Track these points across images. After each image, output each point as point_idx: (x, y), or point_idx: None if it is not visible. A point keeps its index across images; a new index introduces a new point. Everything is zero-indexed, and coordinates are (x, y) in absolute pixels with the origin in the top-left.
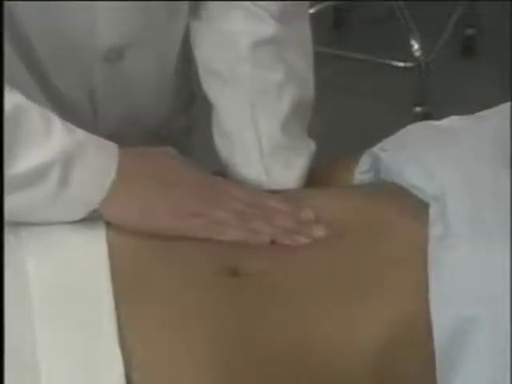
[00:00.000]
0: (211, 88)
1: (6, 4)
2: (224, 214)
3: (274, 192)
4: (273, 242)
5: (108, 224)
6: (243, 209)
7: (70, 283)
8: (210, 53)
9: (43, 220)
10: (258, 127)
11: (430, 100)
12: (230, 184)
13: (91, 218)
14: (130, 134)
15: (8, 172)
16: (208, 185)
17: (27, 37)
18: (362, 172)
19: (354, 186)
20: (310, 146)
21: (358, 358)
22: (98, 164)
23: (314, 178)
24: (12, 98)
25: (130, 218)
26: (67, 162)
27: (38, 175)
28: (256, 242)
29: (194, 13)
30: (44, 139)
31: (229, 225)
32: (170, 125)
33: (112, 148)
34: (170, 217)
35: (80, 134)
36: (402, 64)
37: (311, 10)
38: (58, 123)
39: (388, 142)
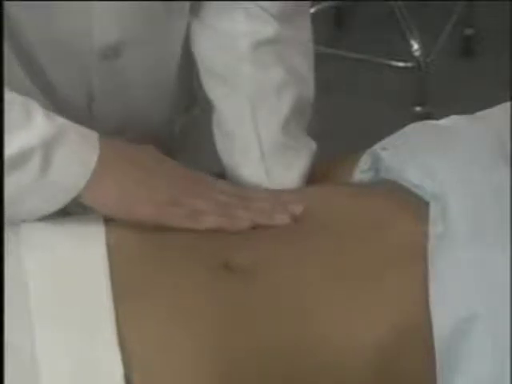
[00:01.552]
0: (211, 88)
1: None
2: (202, 202)
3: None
4: (253, 227)
5: (107, 223)
6: (221, 198)
7: (69, 283)
8: (210, 53)
9: (26, 210)
10: (259, 127)
11: (429, 100)
12: (210, 177)
13: (90, 217)
14: (128, 133)
15: None
16: (187, 175)
17: (24, 35)
18: (362, 171)
19: (353, 185)
20: (311, 145)
21: (358, 358)
22: (79, 150)
23: (314, 178)
24: None
25: (110, 205)
26: (48, 148)
27: (19, 161)
28: (235, 228)
29: (194, 13)
30: (24, 125)
31: (206, 214)
32: (169, 125)
33: (93, 136)
34: (149, 205)
35: (61, 121)
36: (401, 64)
37: (312, 10)
38: (38, 110)
39: (388, 141)
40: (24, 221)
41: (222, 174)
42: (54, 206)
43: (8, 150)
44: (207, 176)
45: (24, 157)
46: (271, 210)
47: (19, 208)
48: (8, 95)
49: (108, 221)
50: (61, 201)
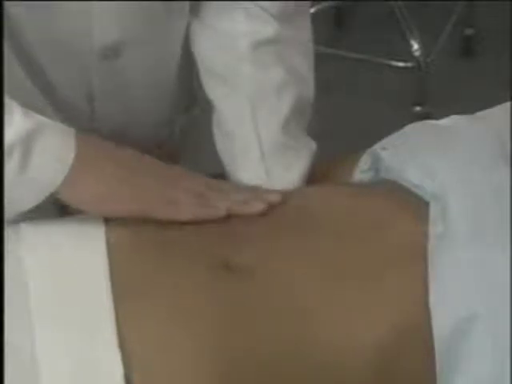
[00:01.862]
0: (211, 88)
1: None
2: (181, 194)
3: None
4: (228, 215)
5: (107, 223)
6: (199, 189)
7: (69, 282)
8: (210, 53)
9: (6, 205)
10: (259, 127)
11: (429, 100)
12: (188, 171)
13: (90, 217)
14: (128, 134)
15: None
16: (165, 168)
17: (24, 35)
18: (362, 171)
19: (353, 185)
20: (311, 145)
21: (358, 358)
22: (56, 146)
23: (314, 178)
24: None
25: (88, 201)
26: (26, 144)
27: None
28: (212, 217)
29: (194, 13)
30: (5, 123)
31: (185, 203)
32: (169, 125)
33: (70, 131)
34: (128, 200)
35: (37, 118)
36: (401, 64)
37: (312, 10)
38: (17, 108)
39: (388, 141)
40: (22, 220)
41: (222, 174)
42: (32, 202)
43: None
44: (185, 170)
45: (5, 154)
46: (247, 199)
47: None
48: None
49: (108, 220)
50: (38, 197)
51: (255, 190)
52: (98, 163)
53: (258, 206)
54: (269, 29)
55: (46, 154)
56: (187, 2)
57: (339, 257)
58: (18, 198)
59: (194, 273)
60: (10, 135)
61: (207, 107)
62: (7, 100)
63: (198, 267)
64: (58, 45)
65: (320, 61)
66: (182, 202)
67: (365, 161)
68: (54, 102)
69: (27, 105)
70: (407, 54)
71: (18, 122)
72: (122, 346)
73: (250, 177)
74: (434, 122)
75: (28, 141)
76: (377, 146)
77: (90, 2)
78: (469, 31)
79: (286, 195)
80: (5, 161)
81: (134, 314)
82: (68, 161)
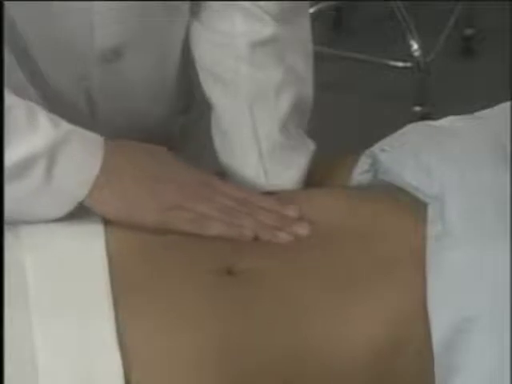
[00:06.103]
0: (210, 88)
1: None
2: (208, 208)
3: (271, 192)
4: (255, 238)
5: (106, 222)
6: (228, 204)
7: (68, 282)
8: (208, 53)
9: (31, 215)
10: (257, 128)
11: (429, 100)
12: (218, 180)
13: (90, 217)
14: (128, 135)
15: None
16: (194, 180)
17: (24, 37)
18: (361, 172)
19: (352, 187)
20: (309, 146)
21: (356, 358)
22: (82, 157)
23: (313, 179)
24: None
25: (114, 211)
26: (52, 156)
27: (23, 168)
28: (238, 237)
29: (194, 13)
30: (29, 133)
31: (212, 219)
32: (169, 126)
33: (97, 141)
34: (153, 211)
35: (65, 126)
36: (401, 64)
37: (311, 10)
38: (43, 116)
39: (387, 142)
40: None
41: (222, 173)
42: (56, 213)
43: (13, 157)
44: (213, 177)
45: (27, 164)
46: (276, 226)
47: (20, 214)
48: (10, 98)
49: (108, 221)
50: (62, 208)
51: (283, 213)
52: (123, 174)
53: (284, 238)
54: (267, 29)
55: (72, 165)
56: (187, 3)
57: (337, 258)
58: (42, 209)
59: (195, 275)
60: (36, 145)
61: (205, 107)
62: (31, 104)
63: (199, 269)
64: (58, 47)
65: (320, 61)
66: (208, 216)
67: (363, 162)
68: (53, 103)
69: None
70: (407, 54)
71: (44, 131)
72: (122, 345)
73: (248, 177)
74: (432, 122)
75: (54, 152)
76: (375, 148)
77: (90, 5)
78: (469, 31)
79: (283, 197)
80: (29, 171)
81: (134, 314)
82: (93, 173)
